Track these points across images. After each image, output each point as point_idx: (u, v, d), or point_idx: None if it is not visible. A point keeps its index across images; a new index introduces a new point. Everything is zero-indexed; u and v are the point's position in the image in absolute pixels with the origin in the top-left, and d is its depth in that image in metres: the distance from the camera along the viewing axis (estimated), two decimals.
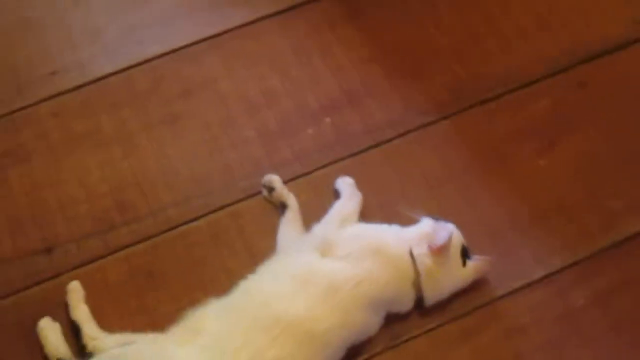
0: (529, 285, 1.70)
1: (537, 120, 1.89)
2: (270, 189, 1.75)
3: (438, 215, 1.68)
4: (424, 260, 1.59)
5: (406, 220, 1.67)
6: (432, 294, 1.62)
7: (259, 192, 1.77)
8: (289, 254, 1.63)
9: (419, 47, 1.97)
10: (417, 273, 1.59)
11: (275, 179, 1.76)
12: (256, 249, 1.70)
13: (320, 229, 1.66)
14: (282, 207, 1.73)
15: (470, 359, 1.63)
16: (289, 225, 1.71)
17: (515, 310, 1.68)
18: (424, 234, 1.62)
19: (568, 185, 1.82)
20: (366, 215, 1.71)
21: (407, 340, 1.63)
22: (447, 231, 1.60)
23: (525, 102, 1.90)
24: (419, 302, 1.63)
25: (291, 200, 1.73)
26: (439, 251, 1.59)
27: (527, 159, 1.85)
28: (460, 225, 1.66)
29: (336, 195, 1.75)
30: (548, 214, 1.78)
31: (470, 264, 1.65)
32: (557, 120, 1.89)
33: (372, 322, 1.60)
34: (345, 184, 1.75)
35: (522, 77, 1.93)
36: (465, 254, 1.64)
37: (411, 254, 1.60)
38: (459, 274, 1.64)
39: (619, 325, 1.67)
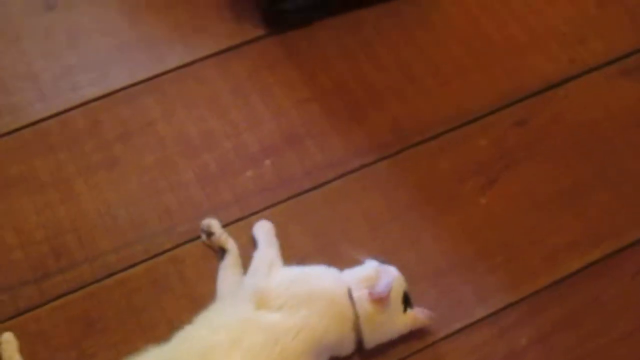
0: (470, 325, 1.70)
1: (477, 159, 1.89)
2: (209, 234, 1.73)
3: (380, 255, 1.67)
4: (363, 304, 1.58)
5: (349, 262, 1.66)
6: (372, 338, 1.61)
7: (199, 237, 1.74)
8: (225, 305, 1.61)
9: (358, 86, 1.97)
10: (356, 315, 1.58)
11: (214, 224, 1.73)
12: (197, 294, 1.67)
13: (249, 280, 1.63)
14: (221, 251, 1.71)
15: None
16: (228, 270, 1.68)
17: (456, 352, 1.68)
18: (365, 276, 1.61)
19: (510, 223, 1.83)
20: (307, 258, 1.70)
21: None
22: (389, 279, 1.58)
23: (465, 140, 1.91)
24: (360, 345, 1.62)
25: (230, 244, 1.71)
26: (380, 300, 1.58)
27: (468, 197, 1.85)
28: (401, 265, 1.66)
29: (253, 242, 1.73)
30: (490, 252, 1.79)
31: (410, 312, 1.63)
32: (497, 158, 1.90)
33: None
34: (262, 231, 1.73)
35: (461, 115, 1.94)
36: (406, 302, 1.63)
37: (350, 296, 1.58)
38: (398, 321, 1.62)
39: None
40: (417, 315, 1.64)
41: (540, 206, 1.85)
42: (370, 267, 1.63)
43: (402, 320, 1.63)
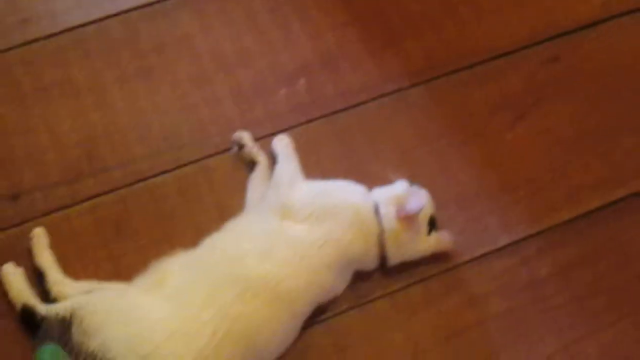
0: (493, 252, 1.73)
1: (507, 93, 1.91)
2: (241, 146, 1.74)
3: (408, 179, 1.69)
4: (390, 220, 1.60)
5: (378, 182, 1.69)
6: (395, 254, 1.63)
7: (230, 149, 1.76)
8: (252, 217, 1.63)
9: (395, 13, 1.97)
10: (381, 231, 1.60)
11: (245, 136, 1.75)
12: (225, 205, 1.70)
13: (272, 194, 1.64)
14: (252, 164, 1.73)
15: (432, 323, 1.66)
16: (258, 182, 1.70)
17: (479, 277, 1.71)
18: (395, 195, 1.63)
19: (534, 158, 1.85)
20: (336, 176, 1.71)
21: (371, 301, 1.66)
22: (420, 200, 1.61)
23: (498, 74, 1.92)
24: (383, 262, 1.64)
25: (261, 157, 1.73)
26: (408, 218, 1.60)
27: (496, 130, 1.87)
28: (429, 189, 1.68)
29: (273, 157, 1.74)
30: (515, 184, 1.81)
31: (435, 235, 1.66)
32: (526, 94, 1.91)
33: (338, 282, 1.61)
34: (280, 145, 1.74)
35: (495, 49, 1.94)
36: (432, 225, 1.65)
37: (377, 211, 1.61)
38: (422, 242, 1.65)
39: (580, 296, 1.71)
40: (441, 239, 1.66)
41: (565, 144, 1.87)
42: (400, 187, 1.66)
43: (426, 242, 1.65)
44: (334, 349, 1.61)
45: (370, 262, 1.64)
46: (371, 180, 1.69)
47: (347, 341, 1.62)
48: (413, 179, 1.70)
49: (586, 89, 1.93)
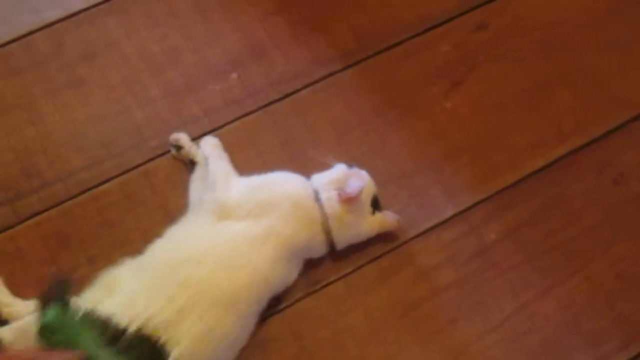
0: (440, 224, 1.74)
1: (440, 64, 1.92)
2: (179, 147, 1.74)
3: (349, 161, 1.70)
4: (332, 204, 1.60)
5: (319, 168, 1.69)
6: (341, 238, 1.64)
7: (169, 151, 1.76)
8: (191, 220, 1.62)
9: None
10: (324, 216, 1.61)
11: (182, 137, 1.74)
12: (170, 207, 1.69)
13: (208, 195, 1.63)
14: (191, 164, 1.73)
15: (387, 299, 1.67)
16: (199, 182, 1.70)
17: (429, 249, 1.72)
18: (334, 179, 1.64)
19: (474, 124, 1.86)
20: (277, 167, 1.70)
21: (325, 286, 1.67)
22: (360, 181, 1.62)
23: (428, 46, 1.93)
24: (332, 247, 1.65)
25: (200, 156, 1.72)
26: (349, 200, 1.61)
27: (433, 101, 1.88)
28: (371, 169, 1.69)
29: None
30: (457, 153, 1.82)
31: (379, 215, 1.66)
32: (459, 62, 1.92)
33: (288, 273, 1.61)
34: (209, 145, 1.73)
35: (422, 22, 1.95)
36: (375, 205, 1.66)
37: (317, 198, 1.61)
38: (367, 223, 1.65)
39: (532, 257, 1.73)
40: (386, 218, 1.67)
41: (504, 107, 1.89)
42: (339, 170, 1.66)
43: (371, 222, 1.66)
44: (293, 337, 1.62)
45: (319, 249, 1.64)
46: (313, 167, 1.69)
47: (306, 328, 1.63)
48: (354, 161, 1.71)
49: (516, 50, 1.95)
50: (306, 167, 1.70)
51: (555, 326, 1.67)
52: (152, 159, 1.76)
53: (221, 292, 1.47)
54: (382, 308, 1.66)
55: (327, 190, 1.61)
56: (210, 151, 1.71)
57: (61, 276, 1.50)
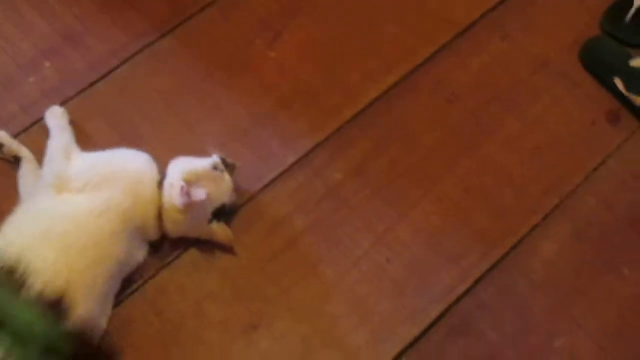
0: (284, 172, 1.73)
1: (259, 16, 1.91)
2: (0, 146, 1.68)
3: (183, 129, 1.70)
4: (170, 196, 1.56)
5: (153, 143, 1.67)
6: (172, 230, 1.60)
7: None
8: (27, 205, 1.57)
9: None
10: (161, 203, 1.57)
11: (2, 135, 1.68)
12: (2, 211, 1.58)
13: (46, 169, 1.59)
14: (17, 160, 1.67)
15: (243, 258, 1.66)
16: (27, 177, 1.64)
17: (277, 200, 1.71)
18: (192, 171, 1.58)
19: (301, 70, 1.86)
20: (113, 147, 1.66)
21: (177, 257, 1.64)
22: (197, 196, 1.54)
23: (243, 0, 1.91)
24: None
25: (24, 151, 1.66)
26: (185, 204, 1.54)
27: (258, 54, 1.87)
28: (207, 132, 1.70)
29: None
30: (290, 100, 1.82)
31: (215, 225, 1.61)
32: (279, 12, 1.92)
33: (131, 248, 1.57)
34: (53, 116, 1.69)
35: None
36: (218, 215, 1.61)
37: (160, 184, 1.57)
38: (199, 227, 1.61)
39: (380, 187, 1.74)
40: (220, 231, 1.62)
41: (329, 48, 1.89)
42: (204, 165, 1.60)
43: (204, 229, 1.61)
44: (153, 312, 1.59)
45: (152, 233, 1.60)
46: (143, 142, 1.67)
47: (165, 302, 1.60)
48: (186, 128, 1.69)
49: None
50: (139, 145, 1.66)
51: (415, 250, 1.68)
52: None
53: (70, 277, 1.43)
54: (239, 267, 1.64)
55: (171, 182, 1.56)
56: (54, 122, 1.67)
57: None
